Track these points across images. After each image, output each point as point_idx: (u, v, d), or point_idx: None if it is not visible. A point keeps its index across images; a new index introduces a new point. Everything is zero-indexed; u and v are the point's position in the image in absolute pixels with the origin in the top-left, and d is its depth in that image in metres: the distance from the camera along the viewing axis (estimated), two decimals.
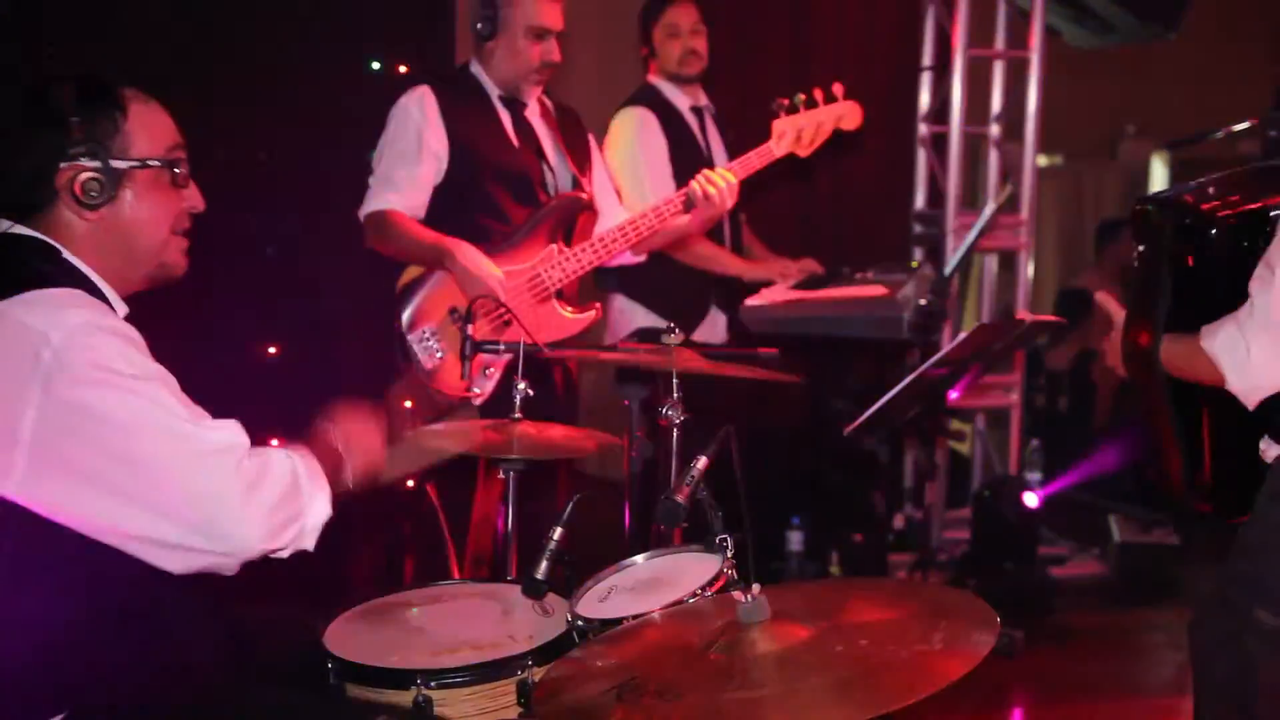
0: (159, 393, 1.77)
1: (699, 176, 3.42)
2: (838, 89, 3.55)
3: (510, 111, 3.39)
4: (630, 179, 3.89)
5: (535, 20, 3.29)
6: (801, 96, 3.54)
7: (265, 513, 1.79)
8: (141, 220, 1.91)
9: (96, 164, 1.86)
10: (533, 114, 3.43)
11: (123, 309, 1.92)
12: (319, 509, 1.88)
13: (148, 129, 1.92)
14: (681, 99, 4.07)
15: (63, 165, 1.85)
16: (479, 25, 3.34)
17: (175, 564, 1.79)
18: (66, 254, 1.87)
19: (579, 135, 3.53)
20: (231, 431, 1.82)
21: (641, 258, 3.68)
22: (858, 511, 4.07)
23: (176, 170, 1.95)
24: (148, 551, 1.78)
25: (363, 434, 2.04)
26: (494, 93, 3.38)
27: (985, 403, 5.14)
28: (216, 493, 1.76)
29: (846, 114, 3.60)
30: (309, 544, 1.88)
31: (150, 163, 1.91)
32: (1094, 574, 5.02)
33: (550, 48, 3.33)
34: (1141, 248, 2.18)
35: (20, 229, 1.88)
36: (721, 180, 3.39)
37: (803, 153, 3.57)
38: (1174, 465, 2.16)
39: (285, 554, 1.85)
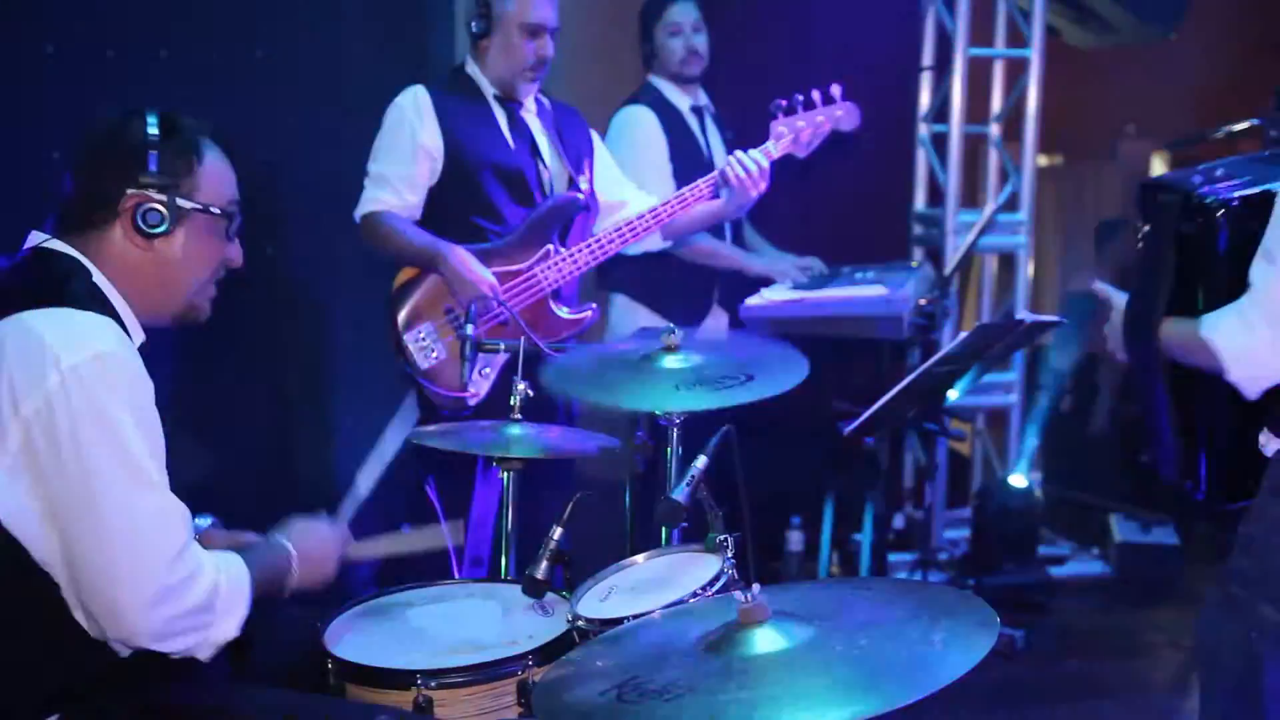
0: (140, 450, 1.76)
1: (730, 159, 3.41)
2: (835, 90, 3.55)
3: (506, 111, 3.38)
4: (630, 178, 3.89)
5: (529, 17, 3.29)
6: (799, 98, 3.54)
7: (166, 619, 1.77)
8: (187, 261, 1.95)
9: (164, 198, 1.89)
10: (529, 113, 3.42)
11: (140, 337, 1.93)
12: (225, 630, 1.85)
13: (217, 179, 1.97)
14: (681, 98, 4.06)
15: (131, 191, 1.88)
16: (473, 24, 3.34)
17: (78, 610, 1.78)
18: (96, 276, 1.88)
19: (578, 133, 3.52)
20: (176, 526, 1.80)
21: (668, 243, 3.71)
22: (858, 511, 4.06)
23: (232, 223, 2.00)
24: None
25: (317, 552, 2.06)
26: (489, 92, 3.38)
27: (985, 403, 5.14)
28: (137, 578, 1.74)
29: (844, 115, 3.60)
30: (204, 656, 1.85)
31: (213, 210, 1.95)
32: (1094, 574, 5.02)
33: (545, 44, 3.32)
34: (1147, 228, 2.17)
35: (55, 244, 1.89)
36: (752, 162, 3.39)
37: (800, 153, 3.57)
38: (1169, 449, 2.16)
39: (174, 655, 1.82)
